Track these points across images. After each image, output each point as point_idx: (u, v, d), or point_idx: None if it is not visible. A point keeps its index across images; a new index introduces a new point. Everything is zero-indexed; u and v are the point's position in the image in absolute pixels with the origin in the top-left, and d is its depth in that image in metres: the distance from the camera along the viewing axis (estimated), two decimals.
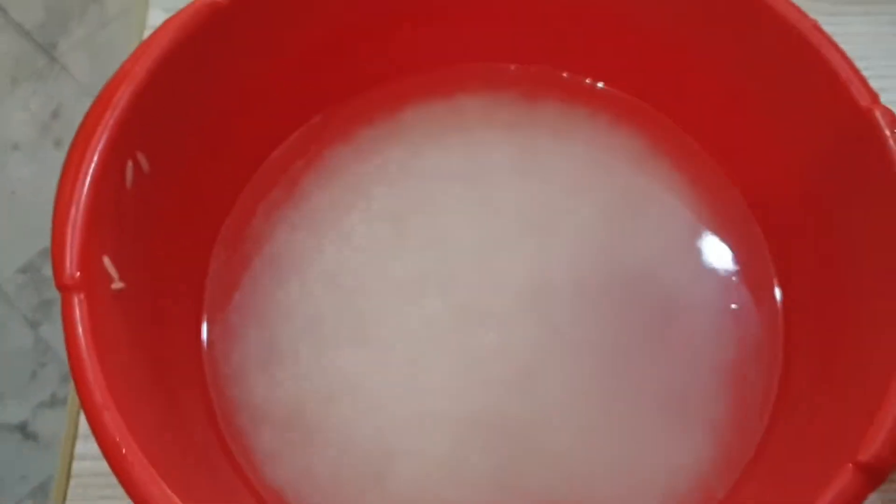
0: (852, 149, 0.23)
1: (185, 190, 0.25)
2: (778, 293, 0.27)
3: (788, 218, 0.27)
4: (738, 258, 0.28)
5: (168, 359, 0.24)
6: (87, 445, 0.26)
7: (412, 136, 0.29)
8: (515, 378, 0.26)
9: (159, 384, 0.23)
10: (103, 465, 0.19)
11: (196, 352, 0.26)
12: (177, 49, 0.23)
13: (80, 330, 0.19)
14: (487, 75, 0.30)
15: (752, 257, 0.28)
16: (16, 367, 0.67)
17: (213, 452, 0.25)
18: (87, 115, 0.22)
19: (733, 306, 0.27)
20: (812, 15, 0.24)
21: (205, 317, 0.27)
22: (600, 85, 0.30)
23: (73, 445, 0.26)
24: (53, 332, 0.67)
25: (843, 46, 0.23)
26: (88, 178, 0.21)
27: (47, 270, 0.67)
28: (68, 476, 0.26)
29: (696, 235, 0.28)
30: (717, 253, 0.28)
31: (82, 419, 0.26)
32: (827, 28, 0.24)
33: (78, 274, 0.20)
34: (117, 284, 0.22)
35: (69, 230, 0.20)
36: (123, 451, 0.19)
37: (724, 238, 0.28)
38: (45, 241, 0.22)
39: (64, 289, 0.20)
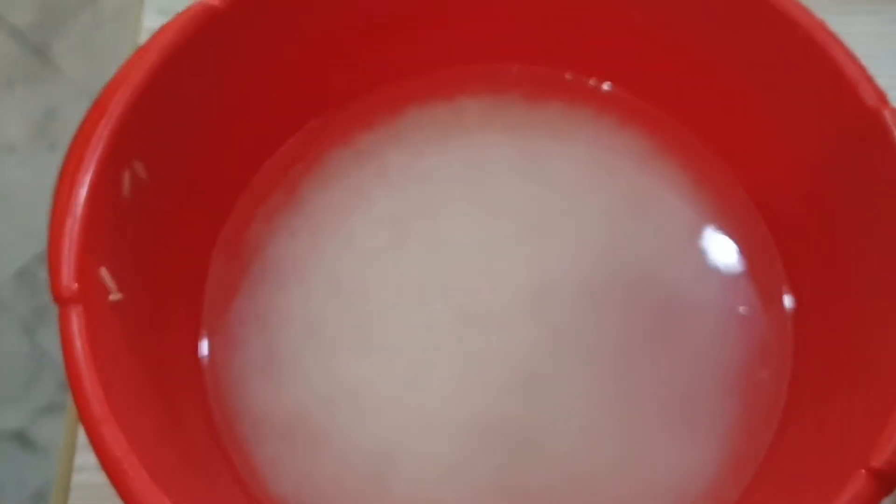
0: (859, 148, 0.23)
1: (182, 196, 0.25)
2: (786, 294, 0.27)
3: (795, 218, 0.27)
4: (744, 259, 0.27)
5: (167, 368, 0.24)
6: (86, 457, 0.26)
7: (413, 138, 0.29)
8: (518, 381, 0.26)
9: (159, 394, 0.23)
10: (103, 477, 0.19)
11: (196, 360, 0.26)
12: (173, 55, 0.23)
13: (78, 343, 0.19)
14: (488, 77, 0.29)
15: (758, 258, 0.27)
16: (12, 372, 0.66)
17: (214, 462, 0.24)
18: (83, 123, 0.22)
19: (740, 308, 0.27)
20: (818, 14, 0.23)
21: (204, 324, 0.26)
22: (603, 86, 0.30)
23: (71, 457, 0.26)
24: (50, 338, 0.67)
25: (849, 46, 0.23)
26: (85, 189, 0.21)
27: (43, 275, 0.67)
28: (67, 488, 0.26)
29: (702, 236, 0.28)
30: (723, 254, 0.28)
31: (81, 430, 0.26)
32: (833, 27, 0.23)
33: (75, 286, 0.20)
34: (115, 295, 0.21)
35: (66, 242, 0.20)
36: (124, 465, 0.19)
37: (731, 239, 0.28)
38: (41, 244, 0.21)
39: (61, 301, 0.20)
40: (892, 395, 0.20)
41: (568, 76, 0.30)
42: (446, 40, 0.29)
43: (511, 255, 0.27)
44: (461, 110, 0.29)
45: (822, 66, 0.23)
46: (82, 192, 0.21)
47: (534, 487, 0.25)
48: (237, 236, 0.28)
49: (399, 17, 0.28)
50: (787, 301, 0.27)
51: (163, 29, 0.23)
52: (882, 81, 0.23)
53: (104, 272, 0.21)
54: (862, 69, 0.23)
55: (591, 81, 0.30)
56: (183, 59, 0.23)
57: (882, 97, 0.22)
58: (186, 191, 0.25)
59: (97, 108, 0.22)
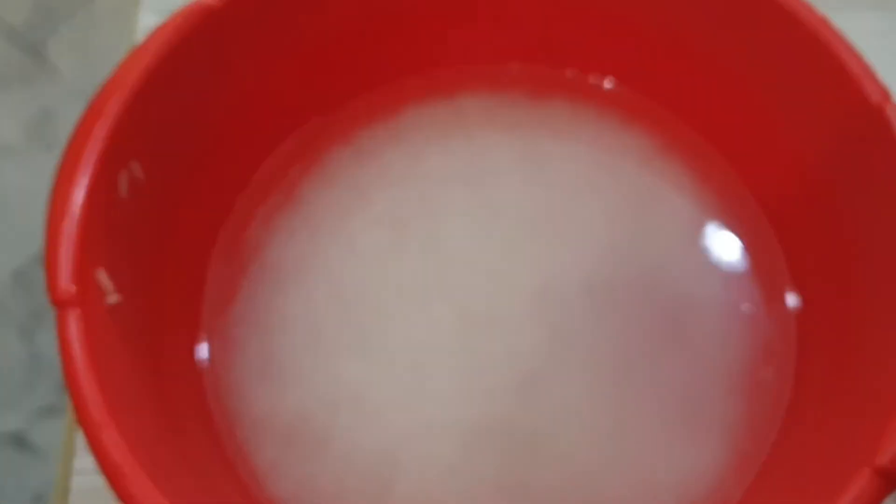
0: (862, 146, 0.23)
1: (180, 197, 0.25)
2: (789, 293, 0.27)
3: (799, 216, 0.26)
4: (747, 257, 0.27)
5: (166, 371, 0.24)
6: (85, 460, 0.26)
7: (413, 138, 0.29)
8: (520, 382, 0.26)
9: (157, 397, 0.23)
10: (103, 480, 0.19)
11: (195, 362, 0.26)
12: (169, 55, 0.23)
13: (75, 347, 0.19)
14: (489, 75, 0.29)
15: (762, 256, 0.27)
16: (10, 375, 0.66)
17: (214, 464, 0.24)
18: (79, 124, 0.21)
19: (743, 306, 0.27)
20: (821, 11, 0.23)
21: (203, 327, 0.26)
22: (606, 84, 0.29)
23: (70, 460, 0.26)
24: (48, 340, 0.66)
25: (853, 43, 0.23)
26: (82, 190, 0.20)
27: (40, 276, 0.66)
28: (67, 491, 0.26)
29: (705, 234, 0.28)
30: (726, 252, 0.27)
31: (79, 433, 0.26)
32: (836, 25, 0.23)
33: (73, 288, 0.19)
34: (113, 297, 0.21)
35: (63, 243, 0.20)
36: (123, 469, 0.19)
37: (734, 237, 0.28)
38: (38, 245, 0.21)
39: (59, 304, 0.19)
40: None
41: (569, 74, 0.30)
42: (447, 38, 0.29)
43: (512, 256, 0.27)
44: (462, 109, 0.29)
45: (825, 63, 0.23)
46: (79, 194, 0.20)
47: (536, 488, 0.25)
48: (236, 237, 0.27)
49: (399, 16, 0.27)
50: (791, 299, 0.27)
51: (159, 28, 0.23)
52: (886, 79, 0.23)
53: (102, 274, 0.21)
54: (865, 66, 0.23)
55: (594, 79, 0.29)
56: (179, 59, 0.23)
57: (885, 94, 0.22)
58: (184, 191, 0.25)
59: (93, 109, 0.21)
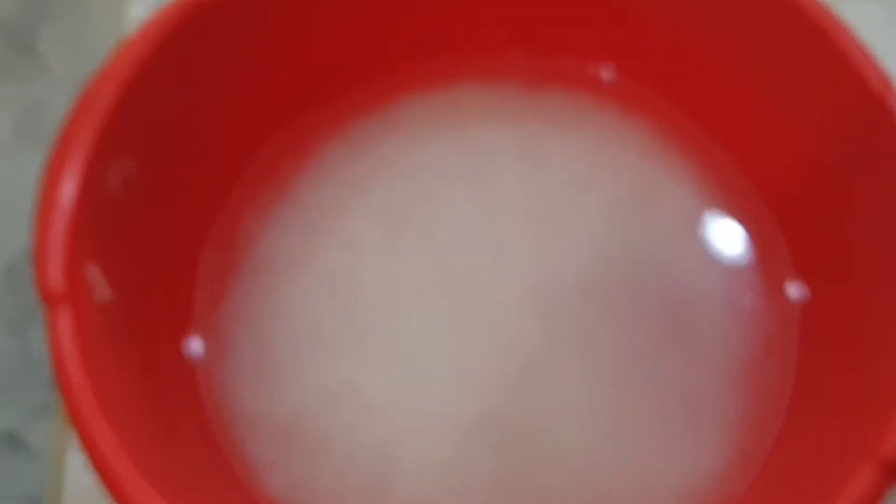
0: (866, 135, 0.23)
1: (172, 192, 0.25)
2: (792, 286, 0.27)
3: (801, 207, 0.26)
4: (749, 250, 0.27)
5: (158, 368, 0.24)
6: (78, 458, 0.26)
7: (409, 130, 0.29)
8: (520, 379, 0.25)
9: (150, 394, 0.22)
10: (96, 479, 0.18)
11: (188, 362, 0.25)
12: (160, 48, 0.22)
13: (67, 345, 0.19)
14: (487, 65, 0.29)
15: (764, 249, 0.27)
16: (1, 372, 0.66)
17: (210, 467, 0.24)
18: (69, 119, 0.21)
19: (746, 300, 0.26)
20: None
21: (196, 323, 0.26)
22: (605, 74, 0.29)
23: (63, 458, 0.26)
24: (39, 337, 0.66)
25: (856, 32, 0.23)
26: (72, 184, 0.20)
27: (29, 272, 0.66)
28: (60, 489, 0.26)
29: (706, 227, 0.27)
30: (727, 245, 0.27)
31: (72, 431, 0.26)
32: (839, 13, 0.23)
33: (63, 284, 0.19)
34: (104, 294, 0.21)
35: (52, 239, 0.19)
36: (116, 467, 0.18)
37: (735, 230, 0.27)
38: (26, 241, 0.21)
39: (49, 300, 0.19)
40: None
41: (568, 64, 0.29)
42: (443, 27, 0.28)
43: (510, 249, 0.27)
44: (459, 100, 0.29)
45: (826, 52, 0.23)
46: (69, 188, 0.20)
47: (535, 485, 0.24)
48: (229, 231, 0.27)
49: (394, 4, 0.27)
50: (794, 292, 0.27)
51: (150, 20, 0.22)
52: (889, 69, 0.23)
53: (93, 270, 0.20)
54: (867, 54, 0.23)
55: (592, 70, 0.29)
56: (171, 51, 0.23)
57: (887, 82, 0.22)
58: (176, 186, 0.25)
59: (84, 102, 0.21)
